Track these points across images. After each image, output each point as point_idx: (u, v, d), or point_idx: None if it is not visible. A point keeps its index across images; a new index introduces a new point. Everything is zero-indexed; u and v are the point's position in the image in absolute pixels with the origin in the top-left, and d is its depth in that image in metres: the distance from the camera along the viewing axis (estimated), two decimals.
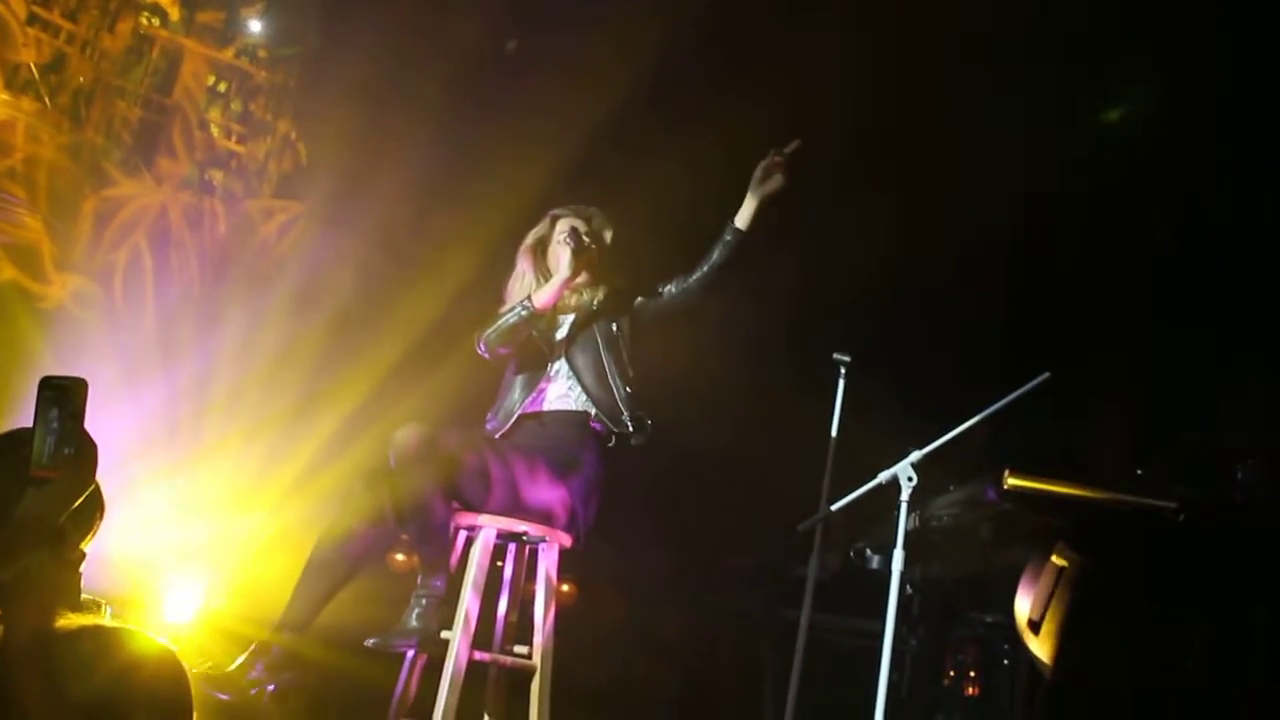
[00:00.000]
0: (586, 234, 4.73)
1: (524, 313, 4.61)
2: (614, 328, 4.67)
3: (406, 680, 4.34)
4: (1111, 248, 6.79)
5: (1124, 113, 6.68)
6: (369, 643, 4.23)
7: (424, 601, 4.20)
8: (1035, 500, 3.82)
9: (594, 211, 4.85)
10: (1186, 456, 5.12)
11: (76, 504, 1.97)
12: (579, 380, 4.58)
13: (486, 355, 4.68)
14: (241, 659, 4.08)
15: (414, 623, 4.18)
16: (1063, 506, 3.80)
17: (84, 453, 1.98)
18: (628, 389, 4.57)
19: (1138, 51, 6.22)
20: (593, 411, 4.53)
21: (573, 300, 4.72)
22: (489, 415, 4.67)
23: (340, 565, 4.25)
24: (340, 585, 4.26)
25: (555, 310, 4.71)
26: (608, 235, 4.82)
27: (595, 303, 4.71)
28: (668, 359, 4.60)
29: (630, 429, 4.54)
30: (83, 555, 2.04)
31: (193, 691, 1.90)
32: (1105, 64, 6.38)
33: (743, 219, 4.62)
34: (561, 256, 4.62)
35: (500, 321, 4.62)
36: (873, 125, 6.68)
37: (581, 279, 4.71)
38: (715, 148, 6.41)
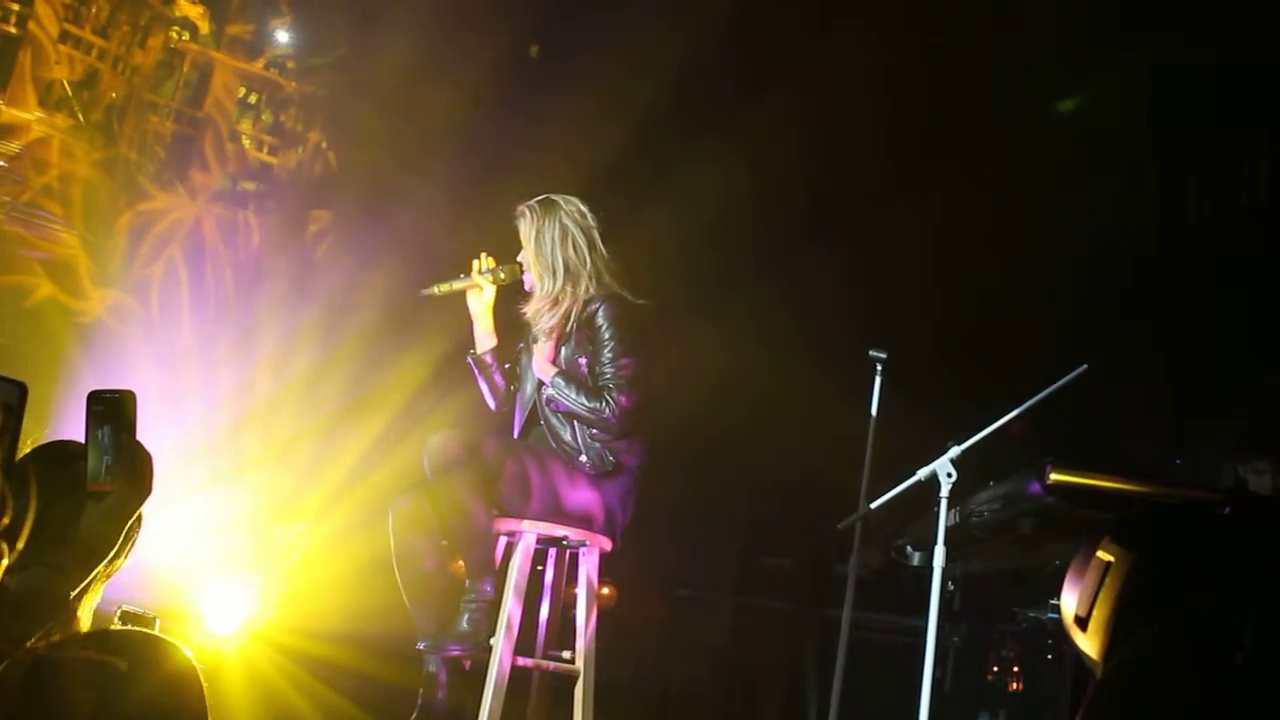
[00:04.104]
0: (527, 240, 4.54)
1: (474, 363, 4.66)
2: (581, 360, 4.43)
3: (447, 685, 4.33)
4: (1145, 229, 6.75)
5: (1156, 86, 6.63)
6: (420, 645, 4.26)
7: (473, 606, 4.21)
8: (1079, 494, 3.80)
9: (524, 212, 4.55)
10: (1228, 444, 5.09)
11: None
12: (546, 420, 4.45)
13: (497, 408, 4.71)
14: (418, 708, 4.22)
15: (465, 626, 4.20)
16: (1107, 500, 3.78)
17: (139, 464, 1.99)
18: (593, 430, 4.38)
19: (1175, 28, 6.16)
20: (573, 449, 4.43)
21: (544, 318, 4.54)
22: None
23: (435, 578, 4.31)
24: (446, 587, 4.31)
25: (530, 324, 4.59)
26: (549, 234, 4.48)
27: (556, 325, 4.49)
28: (703, 360, 4.57)
29: (586, 466, 4.38)
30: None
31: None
32: (1138, 40, 6.33)
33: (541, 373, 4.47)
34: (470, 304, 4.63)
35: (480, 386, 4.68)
36: (905, 124, 6.66)
37: (533, 288, 4.56)
38: (744, 152, 6.41)
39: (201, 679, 1.87)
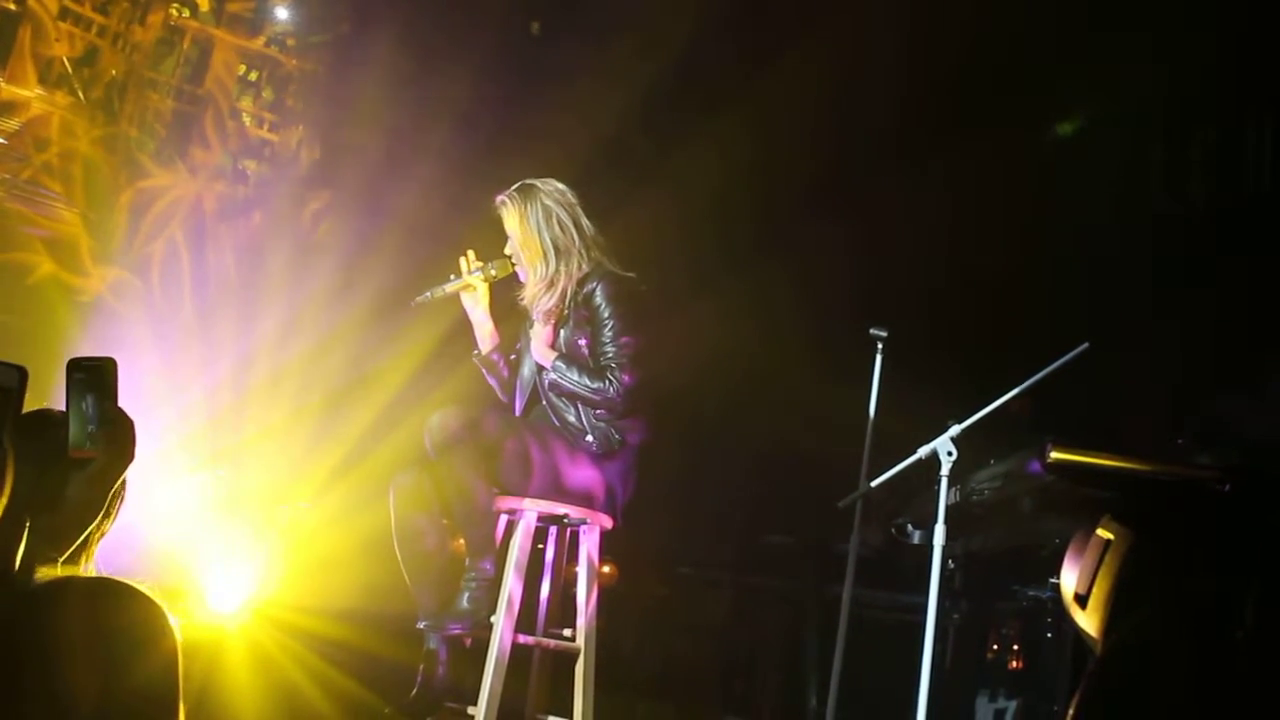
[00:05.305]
0: (513, 229, 4.52)
1: (480, 364, 4.68)
2: (581, 342, 4.44)
3: (447, 663, 4.34)
4: (1142, 212, 6.73)
5: (1156, 74, 6.60)
6: (421, 624, 4.27)
7: (474, 584, 4.22)
8: (1079, 473, 3.80)
9: (505, 201, 4.53)
10: (1222, 426, 5.09)
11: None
12: (550, 403, 4.47)
13: (509, 401, 4.70)
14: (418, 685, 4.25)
15: (465, 605, 4.21)
16: (1107, 478, 3.78)
17: (121, 429, 1.98)
18: (598, 411, 4.39)
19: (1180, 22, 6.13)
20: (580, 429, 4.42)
21: (541, 301, 4.53)
22: None
23: (435, 556, 4.32)
24: (446, 565, 4.33)
25: (528, 309, 4.59)
26: (533, 219, 4.47)
27: (553, 307, 4.49)
28: (704, 338, 4.56)
29: (593, 445, 4.40)
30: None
31: None
32: (1146, 29, 6.30)
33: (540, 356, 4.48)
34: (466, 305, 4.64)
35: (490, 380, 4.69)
36: (907, 105, 6.64)
37: (526, 277, 4.55)
38: (749, 130, 6.39)
39: (169, 617, 1.86)
